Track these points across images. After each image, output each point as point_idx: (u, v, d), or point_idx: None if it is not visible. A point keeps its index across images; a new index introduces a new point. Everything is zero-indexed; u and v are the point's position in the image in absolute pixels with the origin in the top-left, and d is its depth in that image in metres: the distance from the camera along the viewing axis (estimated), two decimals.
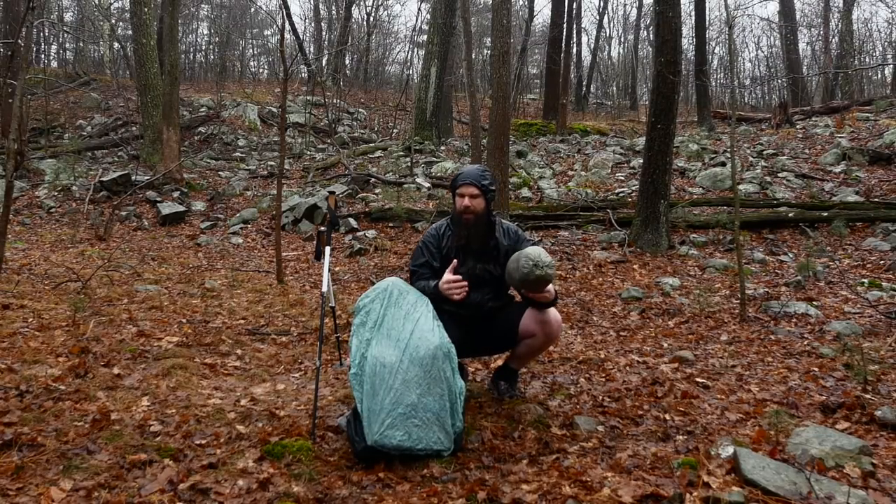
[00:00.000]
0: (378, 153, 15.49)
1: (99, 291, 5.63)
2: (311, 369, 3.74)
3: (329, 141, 17.17)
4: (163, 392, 3.20)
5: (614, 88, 31.09)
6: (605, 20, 31.82)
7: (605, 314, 5.37)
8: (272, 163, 14.69)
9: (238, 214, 10.72)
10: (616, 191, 10.81)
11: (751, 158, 11.79)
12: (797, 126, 15.07)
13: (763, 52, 34.26)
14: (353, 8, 26.89)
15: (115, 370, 3.46)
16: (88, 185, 11.51)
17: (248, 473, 2.36)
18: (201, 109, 18.90)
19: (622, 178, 11.74)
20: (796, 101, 20.02)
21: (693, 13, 17.77)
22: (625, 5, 51.56)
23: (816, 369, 3.66)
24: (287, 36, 19.70)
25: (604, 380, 3.60)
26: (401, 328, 2.62)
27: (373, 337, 2.63)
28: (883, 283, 5.69)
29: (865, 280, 5.89)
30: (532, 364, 3.88)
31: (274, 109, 19.84)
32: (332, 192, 10.67)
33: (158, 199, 11.19)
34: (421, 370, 2.51)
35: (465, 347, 2.84)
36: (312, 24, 32.05)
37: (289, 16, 23.48)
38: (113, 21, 25.93)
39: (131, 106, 17.72)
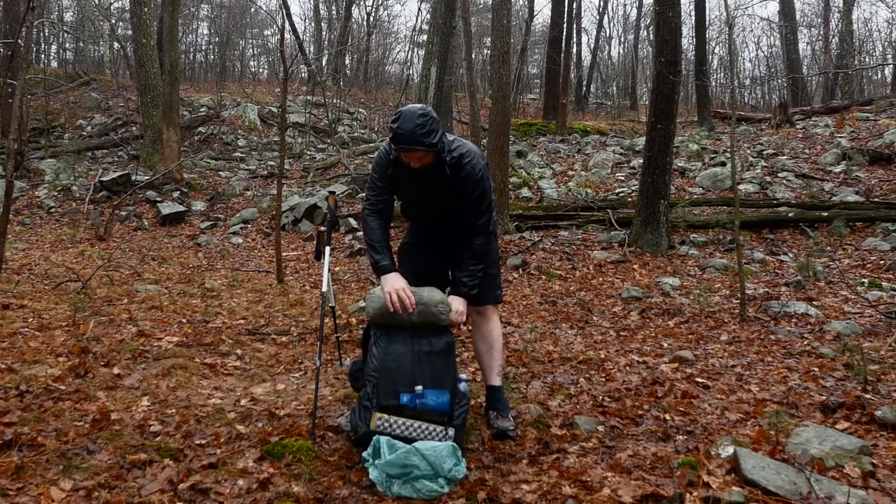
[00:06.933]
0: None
1: (99, 291, 5.63)
2: (311, 369, 3.74)
3: (329, 141, 17.16)
4: (163, 392, 3.19)
5: (614, 88, 31.04)
6: (605, 20, 31.82)
7: (605, 314, 5.37)
8: (272, 163, 14.68)
9: (238, 214, 10.73)
10: (616, 191, 10.81)
11: (751, 158, 11.79)
12: (797, 126, 15.06)
13: (763, 52, 34.28)
14: (353, 8, 26.86)
15: (115, 370, 3.46)
16: (88, 185, 11.51)
17: (248, 473, 2.36)
18: (201, 109, 18.87)
19: (622, 178, 11.74)
20: (796, 101, 20.01)
21: (693, 13, 17.77)
22: (625, 5, 51.63)
23: (816, 369, 3.66)
24: (287, 36, 19.72)
25: (604, 380, 3.60)
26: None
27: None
28: (883, 283, 5.69)
29: (865, 280, 5.89)
30: (532, 364, 3.88)
31: (274, 109, 19.82)
32: (332, 192, 10.66)
33: (158, 199, 11.19)
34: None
35: (430, 270, 2.87)
36: (312, 24, 32.06)
37: (289, 16, 23.50)
38: (113, 21, 25.89)
39: (131, 106, 17.71)
